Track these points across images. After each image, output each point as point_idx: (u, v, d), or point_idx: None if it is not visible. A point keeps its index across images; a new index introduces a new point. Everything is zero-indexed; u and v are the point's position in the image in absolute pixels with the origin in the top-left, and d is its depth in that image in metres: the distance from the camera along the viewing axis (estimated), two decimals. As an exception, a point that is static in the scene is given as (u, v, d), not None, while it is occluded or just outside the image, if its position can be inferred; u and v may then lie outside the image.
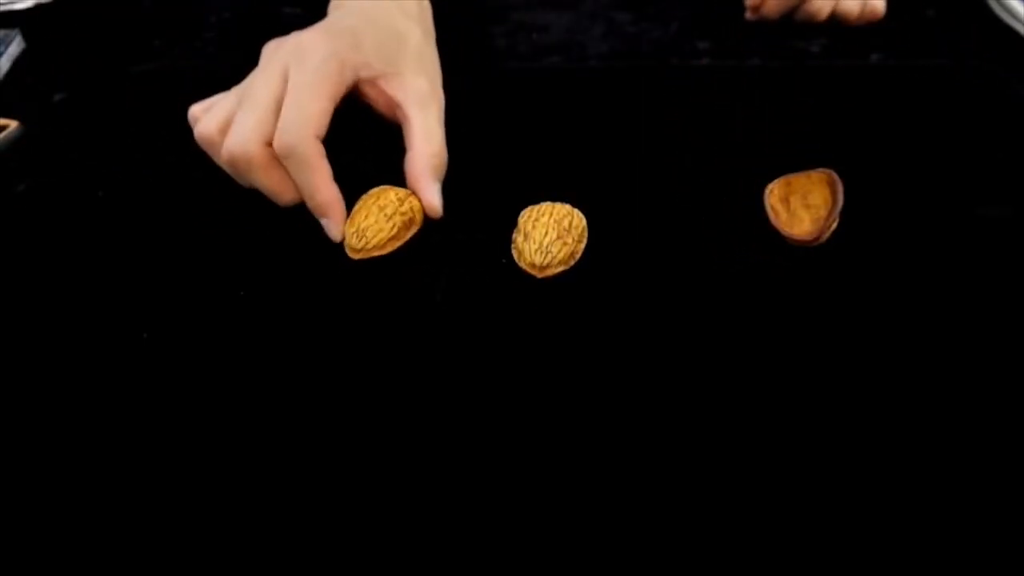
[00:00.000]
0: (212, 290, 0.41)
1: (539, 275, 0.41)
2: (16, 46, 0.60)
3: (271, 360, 0.38)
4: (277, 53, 0.44)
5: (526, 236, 0.41)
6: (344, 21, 0.47)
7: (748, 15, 0.59)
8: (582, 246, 0.42)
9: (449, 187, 0.45)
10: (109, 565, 0.32)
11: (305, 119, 0.41)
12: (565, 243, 0.41)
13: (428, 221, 0.44)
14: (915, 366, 0.37)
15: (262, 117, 0.42)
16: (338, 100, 0.43)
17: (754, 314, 0.39)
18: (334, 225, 0.42)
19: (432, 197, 0.43)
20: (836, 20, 0.59)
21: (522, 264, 0.41)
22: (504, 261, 0.42)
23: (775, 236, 0.42)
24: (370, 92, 0.45)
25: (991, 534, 0.31)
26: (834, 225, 0.41)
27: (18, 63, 0.59)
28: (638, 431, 0.35)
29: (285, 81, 0.43)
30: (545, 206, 0.42)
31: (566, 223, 0.41)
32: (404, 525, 0.32)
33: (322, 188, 0.42)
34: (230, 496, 0.33)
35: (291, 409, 0.36)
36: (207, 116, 0.44)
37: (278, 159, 0.42)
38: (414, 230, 0.43)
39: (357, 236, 0.41)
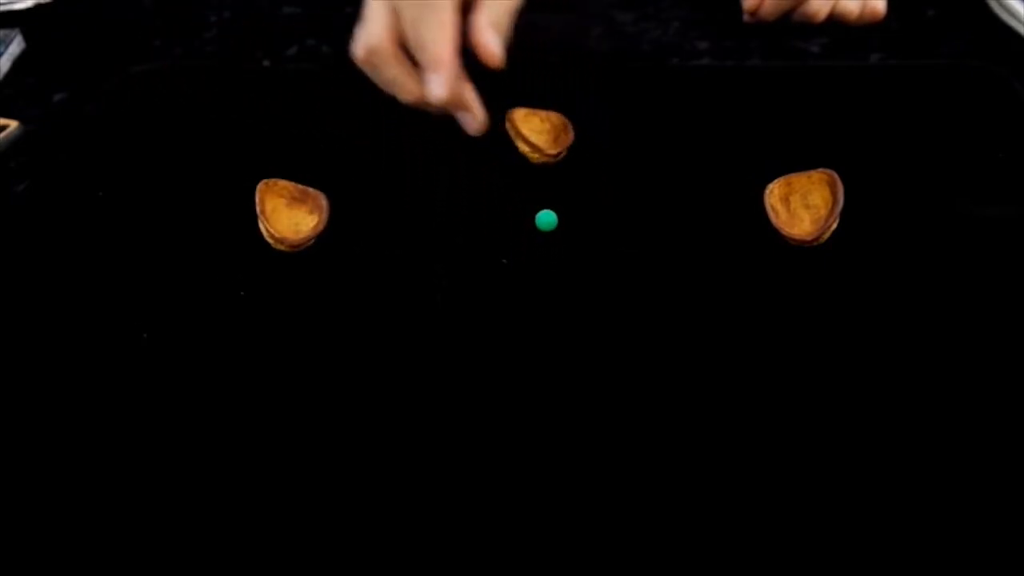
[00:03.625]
0: (212, 290, 0.41)
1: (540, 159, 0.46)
2: (16, 46, 0.60)
3: (271, 360, 0.38)
4: None
5: (517, 132, 0.46)
6: None
7: (745, 19, 0.59)
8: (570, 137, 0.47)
9: (449, 187, 0.45)
10: (109, 564, 0.32)
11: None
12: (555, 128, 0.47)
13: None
14: (915, 365, 0.37)
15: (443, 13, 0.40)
16: None
17: (754, 314, 0.39)
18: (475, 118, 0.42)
19: (494, 43, 0.41)
20: (835, 21, 0.58)
21: (522, 146, 0.46)
22: (504, 262, 0.42)
23: (775, 236, 0.42)
24: None
25: (989, 534, 0.31)
26: (834, 225, 0.41)
27: (18, 63, 0.59)
28: (638, 432, 0.35)
29: None
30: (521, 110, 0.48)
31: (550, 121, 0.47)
32: (406, 524, 0.32)
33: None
34: (230, 495, 0.33)
35: (292, 409, 0.36)
36: (365, 34, 0.41)
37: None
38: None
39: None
